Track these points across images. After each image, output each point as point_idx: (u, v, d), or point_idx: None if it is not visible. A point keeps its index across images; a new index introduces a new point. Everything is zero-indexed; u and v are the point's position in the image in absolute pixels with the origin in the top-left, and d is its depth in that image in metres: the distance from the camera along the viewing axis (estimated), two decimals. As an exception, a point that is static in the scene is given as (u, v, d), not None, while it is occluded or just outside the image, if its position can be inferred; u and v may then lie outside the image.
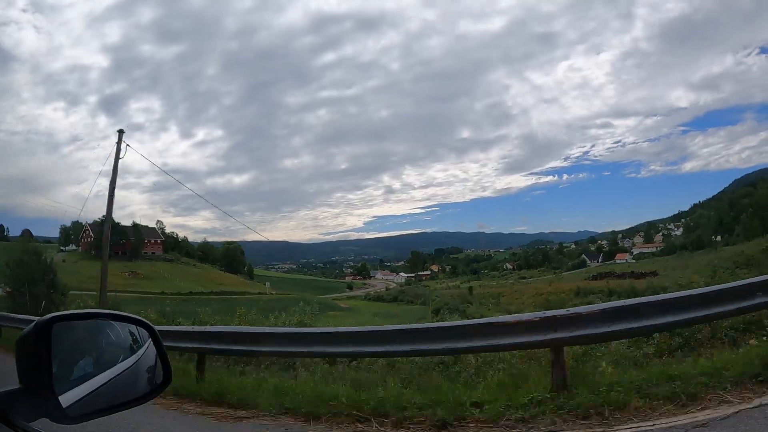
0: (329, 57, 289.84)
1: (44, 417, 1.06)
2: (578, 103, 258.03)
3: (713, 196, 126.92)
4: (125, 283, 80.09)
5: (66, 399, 1.08)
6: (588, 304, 6.62)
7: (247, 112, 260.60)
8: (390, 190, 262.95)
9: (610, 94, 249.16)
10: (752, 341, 4.86)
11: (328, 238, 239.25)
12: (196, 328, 7.18)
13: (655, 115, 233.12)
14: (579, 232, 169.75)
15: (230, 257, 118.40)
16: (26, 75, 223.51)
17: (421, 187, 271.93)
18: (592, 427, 3.70)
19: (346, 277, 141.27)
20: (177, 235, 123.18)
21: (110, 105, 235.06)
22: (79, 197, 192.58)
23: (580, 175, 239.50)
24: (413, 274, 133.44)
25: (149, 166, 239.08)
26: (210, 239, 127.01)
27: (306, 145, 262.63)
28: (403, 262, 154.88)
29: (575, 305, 6.00)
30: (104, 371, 1.27)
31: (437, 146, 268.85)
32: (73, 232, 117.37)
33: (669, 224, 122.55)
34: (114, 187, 18.82)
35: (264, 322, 11.27)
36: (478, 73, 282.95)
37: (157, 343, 1.39)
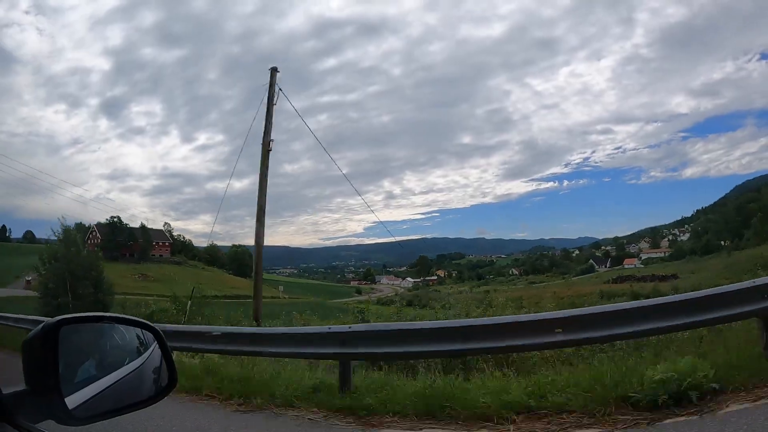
0: (330, 62, 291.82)
1: (50, 418, 1.07)
2: (579, 109, 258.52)
3: (715, 202, 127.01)
4: (135, 286, 79.86)
5: (72, 401, 1.09)
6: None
7: (248, 116, 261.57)
8: (390, 196, 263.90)
9: (610, 100, 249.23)
10: None
11: (328, 243, 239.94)
12: (335, 329, 5.86)
13: (655, 121, 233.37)
14: (579, 238, 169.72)
15: (238, 260, 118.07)
16: (28, 77, 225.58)
17: (422, 192, 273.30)
18: None
19: (351, 282, 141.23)
20: (184, 237, 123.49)
21: (111, 108, 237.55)
22: (79, 199, 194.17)
23: (581, 181, 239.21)
24: (420, 279, 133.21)
25: (150, 170, 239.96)
26: (217, 243, 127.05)
27: (306, 149, 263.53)
28: (405, 268, 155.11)
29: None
30: (110, 374, 1.28)
31: (438, 152, 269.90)
32: (75, 233, 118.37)
33: (673, 230, 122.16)
34: (268, 149, 13.91)
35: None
36: (479, 78, 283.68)
37: (162, 347, 1.40)
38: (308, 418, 4.63)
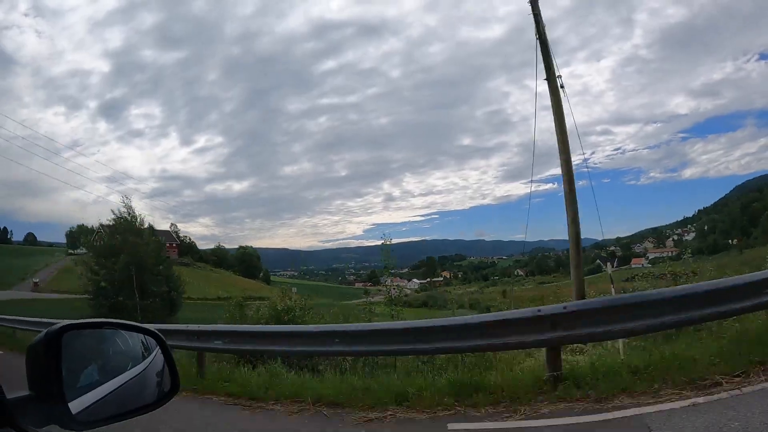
0: (330, 64, 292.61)
1: (54, 423, 1.08)
2: (578, 109, 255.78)
3: (716, 202, 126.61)
4: None
5: (75, 406, 1.10)
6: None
7: (248, 118, 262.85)
8: (390, 198, 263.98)
9: (610, 100, 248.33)
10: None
11: (328, 245, 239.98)
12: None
13: (655, 122, 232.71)
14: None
15: (246, 262, 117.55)
16: (27, 79, 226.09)
17: (421, 194, 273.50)
18: None
19: (356, 284, 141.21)
20: (189, 238, 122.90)
21: (110, 110, 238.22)
22: (78, 202, 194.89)
23: (580, 183, 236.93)
24: (426, 281, 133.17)
25: (149, 172, 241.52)
26: (209, 246, 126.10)
27: (306, 151, 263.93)
28: (407, 270, 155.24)
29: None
30: (113, 379, 1.29)
31: (437, 153, 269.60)
32: (79, 235, 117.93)
33: (676, 230, 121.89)
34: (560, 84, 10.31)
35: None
36: (479, 80, 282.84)
37: (165, 352, 1.41)
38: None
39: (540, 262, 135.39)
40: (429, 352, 5.67)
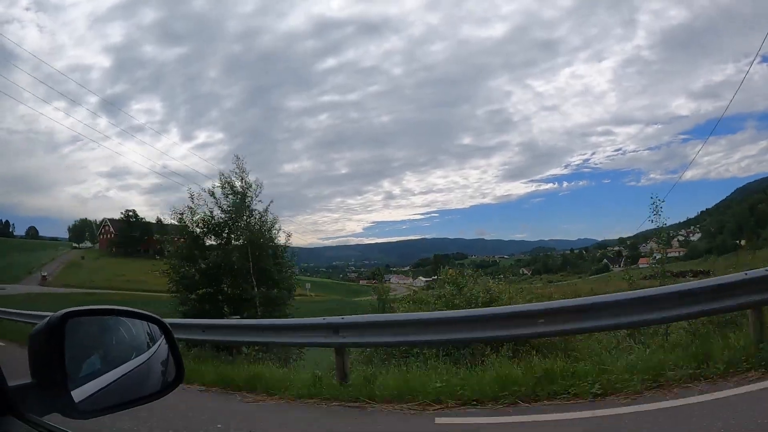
0: (331, 61, 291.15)
1: (56, 412, 1.06)
2: (579, 110, 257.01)
3: (719, 204, 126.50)
4: (162, 283, 79.26)
5: (77, 394, 1.07)
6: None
7: (249, 115, 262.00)
8: (390, 196, 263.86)
9: (611, 101, 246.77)
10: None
11: (328, 243, 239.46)
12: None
13: (656, 123, 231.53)
14: (579, 239, 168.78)
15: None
16: (28, 74, 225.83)
17: (421, 193, 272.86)
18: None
19: (360, 281, 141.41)
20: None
21: (111, 106, 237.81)
22: (78, 197, 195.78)
23: (580, 183, 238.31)
24: (432, 278, 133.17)
25: (149, 167, 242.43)
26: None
27: (306, 149, 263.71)
28: (408, 267, 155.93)
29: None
30: (116, 368, 1.27)
31: (438, 152, 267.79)
32: (83, 229, 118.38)
33: (680, 230, 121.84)
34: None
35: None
36: (480, 79, 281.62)
37: (170, 341, 1.39)
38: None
39: (545, 260, 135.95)
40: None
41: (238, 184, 18.53)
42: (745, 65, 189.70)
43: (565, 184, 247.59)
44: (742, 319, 5.55)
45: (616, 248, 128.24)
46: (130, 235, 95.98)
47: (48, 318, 1.10)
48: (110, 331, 1.34)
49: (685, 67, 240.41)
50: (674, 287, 5.38)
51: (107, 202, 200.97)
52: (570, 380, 4.64)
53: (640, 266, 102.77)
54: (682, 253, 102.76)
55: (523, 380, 4.71)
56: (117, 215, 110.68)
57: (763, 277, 4.80)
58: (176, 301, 17.18)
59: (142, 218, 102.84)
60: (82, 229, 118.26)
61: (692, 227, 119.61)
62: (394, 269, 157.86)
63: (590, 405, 4.30)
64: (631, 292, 5.68)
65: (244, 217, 18.34)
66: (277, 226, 18.91)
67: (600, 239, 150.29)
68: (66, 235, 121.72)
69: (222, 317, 13.59)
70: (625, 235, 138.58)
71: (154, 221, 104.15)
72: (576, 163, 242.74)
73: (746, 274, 4.91)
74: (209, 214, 18.35)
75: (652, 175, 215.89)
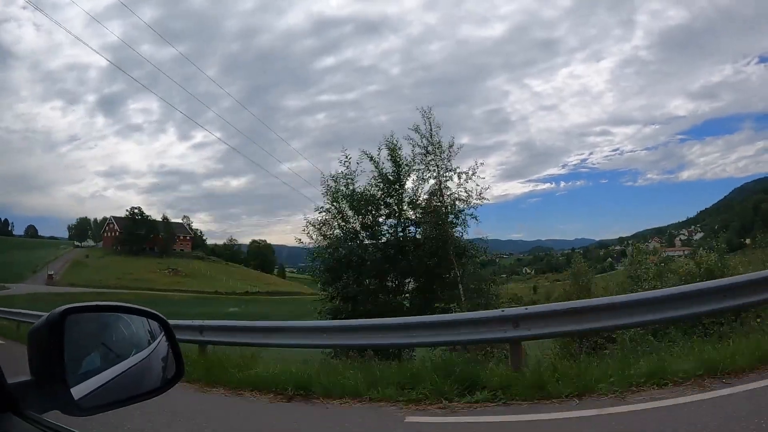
0: (329, 61, 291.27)
1: (56, 409, 1.06)
2: (577, 110, 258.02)
3: (717, 204, 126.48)
4: (169, 281, 78.96)
5: (77, 391, 1.07)
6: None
7: (246, 114, 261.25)
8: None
9: (609, 101, 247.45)
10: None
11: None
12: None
13: (653, 124, 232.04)
14: (576, 239, 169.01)
15: (261, 256, 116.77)
16: (25, 72, 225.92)
17: None
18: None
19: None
20: (201, 232, 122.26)
21: (108, 105, 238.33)
22: (75, 197, 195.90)
23: (578, 183, 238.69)
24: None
25: (147, 167, 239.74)
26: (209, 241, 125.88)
27: (304, 148, 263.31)
28: None
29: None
30: (115, 364, 1.26)
31: None
32: (85, 227, 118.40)
33: (681, 229, 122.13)
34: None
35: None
36: (479, 79, 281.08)
37: (170, 337, 1.38)
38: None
39: (549, 260, 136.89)
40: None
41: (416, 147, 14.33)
42: (743, 66, 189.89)
43: (562, 184, 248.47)
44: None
45: (618, 247, 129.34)
46: (136, 232, 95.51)
47: (47, 315, 1.09)
48: (110, 327, 1.34)
49: (683, 67, 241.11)
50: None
51: (105, 201, 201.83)
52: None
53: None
54: (687, 252, 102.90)
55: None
56: (115, 214, 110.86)
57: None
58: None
59: (147, 216, 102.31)
60: (84, 228, 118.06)
61: (692, 227, 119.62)
62: None
63: None
64: None
65: (440, 198, 14.23)
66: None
67: (597, 239, 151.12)
68: (65, 234, 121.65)
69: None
70: (624, 235, 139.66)
71: (159, 219, 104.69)
72: (573, 163, 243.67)
73: None
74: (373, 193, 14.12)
75: (649, 175, 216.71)
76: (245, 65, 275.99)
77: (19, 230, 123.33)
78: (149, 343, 1.38)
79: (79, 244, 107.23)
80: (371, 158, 14.15)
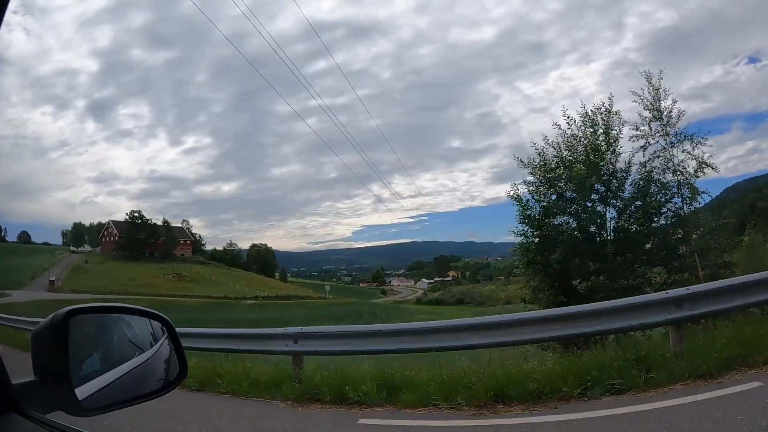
0: (320, 65, 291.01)
1: (60, 409, 1.06)
2: (568, 112, 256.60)
3: (709, 203, 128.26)
4: (175, 287, 78.26)
5: (81, 392, 1.08)
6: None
7: (237, 119, 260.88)
8: (379, 199, 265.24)
9: (599, 103, 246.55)
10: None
11: (317, 247, 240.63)
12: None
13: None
14: None
15: (262, 260, 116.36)
16: (15, 78, 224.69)
17: (410, 196, 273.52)
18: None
19: (360, 284, 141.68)
20: (200, 236, 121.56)
21: (98, 110, 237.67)
22: (66, 203, 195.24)
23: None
24: (434, 280, 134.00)
25: (138, 172, 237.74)
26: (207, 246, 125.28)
27: (295, 153, 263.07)
28: (403, 270, 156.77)
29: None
30: (119, 365, 1.27)
31: (427, 156, 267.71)
32: (81, 233, 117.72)
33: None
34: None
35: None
36: (469, 82, 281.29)
37: (173, 338, 1.39)
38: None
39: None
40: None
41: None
42: (733, 66, 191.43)
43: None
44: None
45: None
46: (136, 237, 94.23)
47: (51, 316, 1.10)
48: (113, 328, 1.35)
49: (673, 69, 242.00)
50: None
51: (95, 207, 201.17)
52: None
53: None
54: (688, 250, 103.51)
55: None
56: (105, 220, 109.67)
57: None
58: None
59: (148, 219, 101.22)
60: (80, 233, 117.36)
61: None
62: (388, 272, 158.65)
63: None
64: None
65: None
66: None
67: None
68: (58, 240, 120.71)
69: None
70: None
71: (168, 225, 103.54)
72: None
73: None
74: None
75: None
76: (235, 70, 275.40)
77: (11, 237, 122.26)
78: (153, 344, 1.39)
79: (76, 249, 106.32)
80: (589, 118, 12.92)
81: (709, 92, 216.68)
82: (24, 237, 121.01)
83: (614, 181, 12.86)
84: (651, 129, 13.47)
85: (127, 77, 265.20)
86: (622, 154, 13.12)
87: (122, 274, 79.08)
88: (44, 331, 1.08)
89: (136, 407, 1.23)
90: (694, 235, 12.55)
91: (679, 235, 12.77)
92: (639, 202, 12.74)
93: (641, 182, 12.89)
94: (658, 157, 13.30)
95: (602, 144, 12.83)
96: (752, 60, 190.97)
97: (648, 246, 12.73)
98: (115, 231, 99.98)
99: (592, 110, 13.03)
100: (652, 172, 13.12)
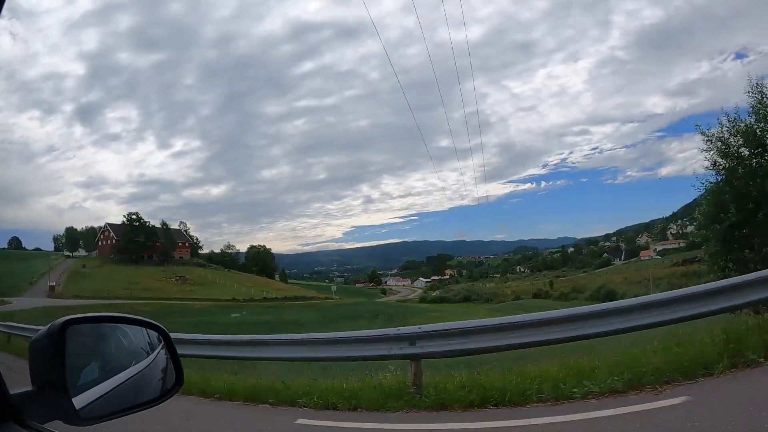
0: (308, 66, 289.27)
1: (58, 419, 1.08)
2: (556, 110, 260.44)
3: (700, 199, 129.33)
4: (180, 290, 77.34)
5: (79, 401, 1.09)
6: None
7: (225, 122, 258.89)
8: (369, 200, 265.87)
9: (587, 101, 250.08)
10: None
11: (308, 248, 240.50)
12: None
13: (631, 122, 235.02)
14: (559, 238, 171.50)
15: (261, 262, 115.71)
16: (1, 82, 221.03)
17: (400, 196, 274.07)
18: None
19: (356, 284, 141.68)
20: (197, 239, 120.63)
21: (86, 114, 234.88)
22: (55, 208, 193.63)
23: (558, 182, 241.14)
24: (431, 279, 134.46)
25: (126, 176, 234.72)
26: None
27: (284, 155, 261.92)
28: (396, 270, 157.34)
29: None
30: (116, 374, 1.28)
31: (415, 156, 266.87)
32: (75, 237, 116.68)
33: (668, 224, 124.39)
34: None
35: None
36: (456, 81, 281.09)
37: (169, 347, 1.40)
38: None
39: (540, 258, 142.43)
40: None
41: None
42: (720, 62, 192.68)
43: (543, 183, 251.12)
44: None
45: (607, 244, 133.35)
46: (135, 240, 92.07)
47: (48, 325, 1.11)
48: (110, 337, 1.36)
49: (660, 65, 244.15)
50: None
51: (84, 212, 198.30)
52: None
53: (642, 258, 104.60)
54: (682, 244, 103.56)
55: None
56: (95, 225, 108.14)
57: None
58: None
59: (146, 221, 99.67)
60: (74, 237, 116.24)
61: (679, 221, 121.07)
62: (381, 272, 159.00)
63: None
64: None
65: None
66: None
67: (579, 237, 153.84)
68: (49, 246, 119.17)
69: None
70: (608, 232, 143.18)
71: (167, 227, 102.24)
72: (554, 162, 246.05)
73: None
74: None
75: (629, 173, 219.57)
76: (223, 72, 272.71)
77: (1, 243, 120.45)
78: (150, 353, 1.40)
79: (71, 254, 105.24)
80: None
81: (697, 88, 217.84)
82: (15, 243, 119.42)
83: None
84: None
85: (115, 80, 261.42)
86: None
87: (123, 278, 78.27)
88: (41, 341, 1.09)
89: (133, 416, 1.24)
90: None
91: None
92: None
93: None
94: None
95: None
96: (739, 56, 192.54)
97: None
98: (112, 234, 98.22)
99: None
100: None
